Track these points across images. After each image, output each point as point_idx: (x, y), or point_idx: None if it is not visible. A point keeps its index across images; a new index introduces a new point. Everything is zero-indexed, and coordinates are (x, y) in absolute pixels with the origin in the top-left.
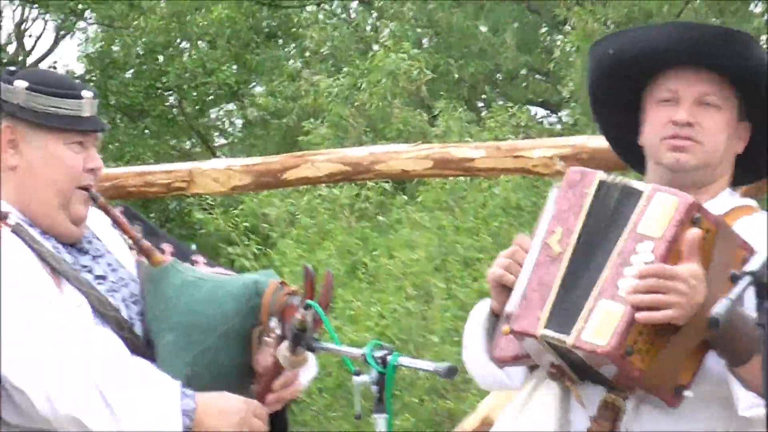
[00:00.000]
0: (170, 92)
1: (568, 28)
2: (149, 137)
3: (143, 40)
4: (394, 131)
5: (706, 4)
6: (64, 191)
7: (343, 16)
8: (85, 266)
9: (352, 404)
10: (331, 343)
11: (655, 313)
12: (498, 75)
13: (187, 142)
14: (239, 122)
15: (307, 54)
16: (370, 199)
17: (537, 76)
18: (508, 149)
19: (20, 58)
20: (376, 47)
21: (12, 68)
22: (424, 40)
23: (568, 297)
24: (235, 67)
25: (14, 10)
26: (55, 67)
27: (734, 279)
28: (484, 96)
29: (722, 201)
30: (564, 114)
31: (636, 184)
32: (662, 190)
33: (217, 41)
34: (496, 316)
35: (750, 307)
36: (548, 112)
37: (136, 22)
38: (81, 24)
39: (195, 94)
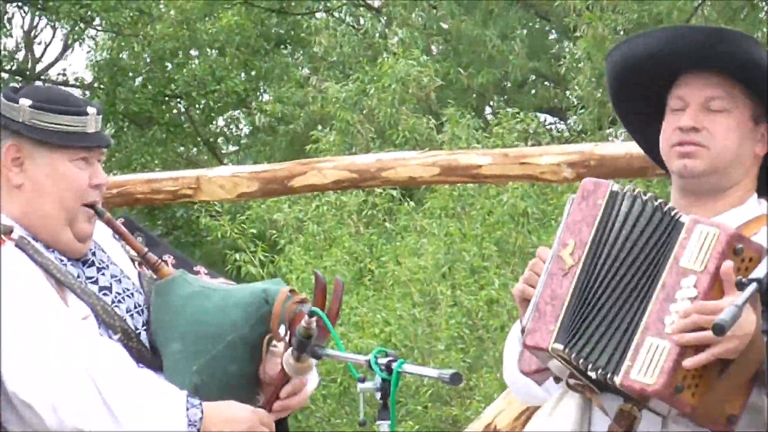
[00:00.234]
0: (179, 99)
1: (577, 34)
2: (156, 145)
3: (152, 47)
4: (402, 138)
5: (715, 10)
6: (70, 208)
7: (352, 23)
8: (90, 278)
9: (357, 411)
10: (336, 349)
11: (701, 356)
12: (506, 83)
13: (194, 150)
14: (246, 129)
15: (316, 61)
16: (377, 205)
17: (546, 82)
18: (516, 156)
19: (29, 66)
20: (384, 55)
21: (15, 86)
22: (433, 47)
23: (580, 311)
24: (243, 74)
25: (24, 18)
26: (64, 74)
27: (740, 286)
28: (492, 104)
29: (749, 208)
30: (572, 121)
31: (671, 210)
32: (702, 222)
33: (226, 48)
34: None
35: None
36: (556, 119)
37: (145, 30)
38: (90, 31)
39: (204, 101)
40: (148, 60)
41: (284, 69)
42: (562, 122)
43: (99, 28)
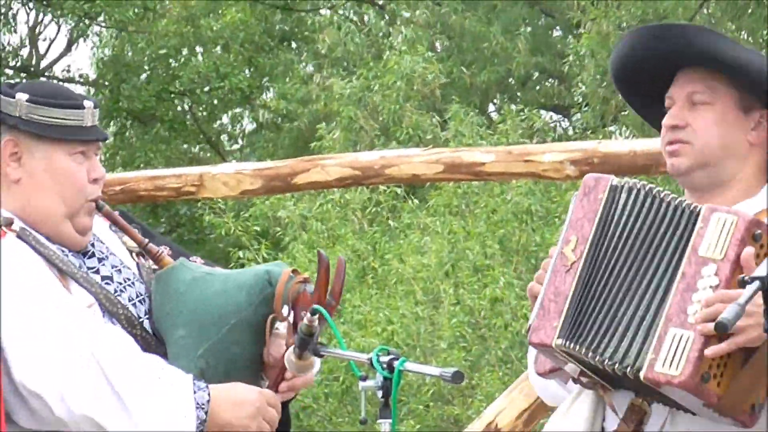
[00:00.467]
0: (183, 96)
1: (581, 31)
2: (160, 142)
3: (156, 44)
4: (406, 135)
5: (719, 6)
6: (72, 204)
7: (356, 20)
8: (91, 268)
9: (358, 409)
10: (338, 348)
11: (723, 345)
12: (510, 80)
13: (197, 147)
14: (250, 126)
15: (320, 58)
16: (381, 203)
17: (549, 80)
18: (519, 153)
19: (34, 62)
20: (388, 53)
21: (11, 81)
22: (437, 44)
23: (584, 306)
24: (247, 71)
25: (28, 14)
26: (68, 71)
27: (742, 284)
28: (495, 101)
29: (760, 199)
30: (576, 118)
31: (675, 199)
32: (719, 209)
33: (230, 45)
34: None
35: None
36: (560, 116)
37: (149, 27)
38: (95, 28)
39: (207, 98)
40: (152, 57)
41: (288, 66)
42: (565, 119)
43: (103, 24)
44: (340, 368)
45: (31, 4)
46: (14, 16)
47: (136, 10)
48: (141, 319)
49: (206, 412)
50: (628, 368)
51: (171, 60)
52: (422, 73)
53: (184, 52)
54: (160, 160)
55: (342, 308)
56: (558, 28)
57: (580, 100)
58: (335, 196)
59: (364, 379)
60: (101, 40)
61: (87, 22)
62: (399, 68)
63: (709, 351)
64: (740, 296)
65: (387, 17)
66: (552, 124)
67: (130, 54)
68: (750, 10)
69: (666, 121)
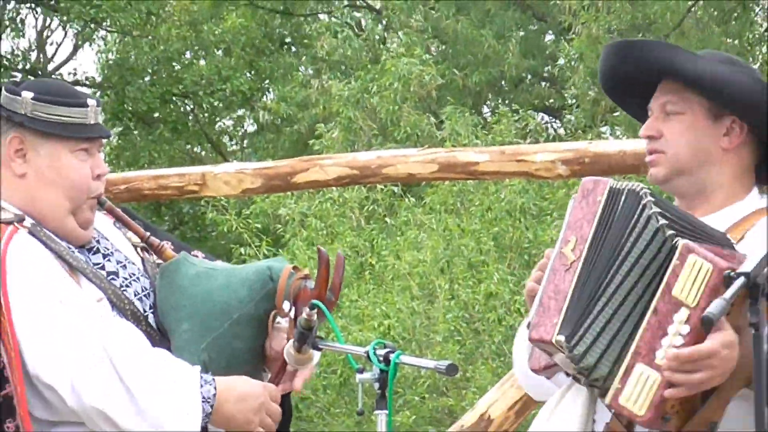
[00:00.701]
0: (186, 98)
1: (572, 35)
2: (164, 142)
3: (160, 48)
4: (403, 134)
5: (707, 12)
6: (76, 200)
7: (353, 25)
8: (96, 264)
9: (356, 401)
10: (335, 341)
11: (684, 390)
12: (503, 82)
13: (199, 147)
14: (251, 128)
15: (319, 63)
16: (378, 201)
17: (541, 82)
18: (512, 153)
19: (41, 65)
20: (386, 55)
21: (16, 80)
22: (432, 48)
23: (584, 306)
24: (248, 74)
25: (36, 19)
26: (75, 74)
27: (728, 280)
28: (489, 103)
29: (746, 205)
30: (567, 119)
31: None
32: (695, 251)
33: (231, 49)
34: None
35: None
36: (552, 117)
37: (153, 31)
38: (100, 32)
39: (210, 100)
40: (156, 60)
41: (288, 69)
42: (557, 120)
43: (108, 29)
44: (338, 361)
45: (39, 9)
46: (23, 21)
47: (140, 15)
48: (146, 314)
49: (212, 406)
50: (597, 384)
51: (174, 63)
52: (418, 75)
53: (187, 55)
54: (164, 160)
55: (340, 303)
56: (550, 32)
57: (571, 101)
58: (334, 195)
59: (362, 371)
60: (106, 44)
61: (93, 26)
62: (396, 70)
63: (668, 393)
64: (712, 356)
65: (384, 22)
66: (544, 125)
67: (134, 57)
68: (736, 15)
69: (642, 131)
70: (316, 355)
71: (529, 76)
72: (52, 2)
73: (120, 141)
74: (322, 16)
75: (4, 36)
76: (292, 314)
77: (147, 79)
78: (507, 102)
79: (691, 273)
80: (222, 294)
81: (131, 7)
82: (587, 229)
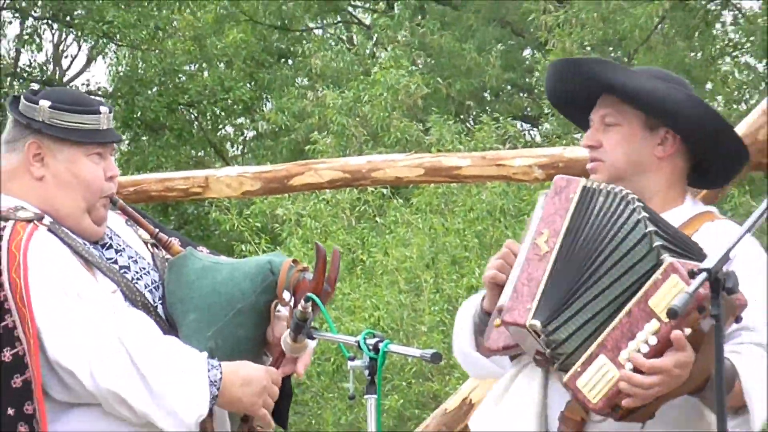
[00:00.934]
0: (191, 107)
1: (548, 48)
2: (170, 148)
3: (166, 60)
4: (393, 139)
5: (673, 27)
6: (90, 200)
7: (345, 39)
8: (110, 259)
9: (348, 387)
10: (329, 331)
11: (636, 401)
12: (484, 92)
13: (202, 152)
14: (251, 134)
15: (313, 77)
16: (369, 202)
17: (520, 92)
18: (492, 158)
19: (57, 77)
20: (376, 68)
21: (34, 88)
22: (419, 61)
23: (554, 292)
24: (249, 85)
25: (53, 34)
26: (88, 85)
27: (692, 275)
28: (471, 112)
29: (685, 210)
30: (543, 127)
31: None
32: (679, 273)
33: (233, 61)
34: (487, 314)
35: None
36: (529, 125)
37: (160, 45)
38: (112, 46)
39: (213, 109)
40: (163, 72)
41: (285, 81)
42: (534, 128)
43: (119, 43)
44: (331, 350)
45: (55, 26)
46: (40, 36)
47: (148, 31)
48: (155, 305)
49: (218, 389)
50: (560, 358)
51: (180, 75)
52: (406, 86)
53: (192, 67)
54: (170, 164)
55: (333, 296)
56: (528, 47)
57: (547, 110)
58: (327, 197)
59: (353, 359)
60: (117, 58)
61: (105, 41)
62: (385, 81)
63: (626, 402)
64: (667, 371)
65: (374, 37)
66: (522, 132)
67: (143, 70)
68: (699, 31)
69: (583, 141)
70: (311, 345)
71: (509, 87)
72: (68, 19)
73: (129, 147)
74: (317, 32)
75: (23, 50)
76: (292, 303)
77: (155, 89)
78: (488, 111)
79: (671, 291)
80: (226, 286)
81: (140, 23)
82: (560, 223)
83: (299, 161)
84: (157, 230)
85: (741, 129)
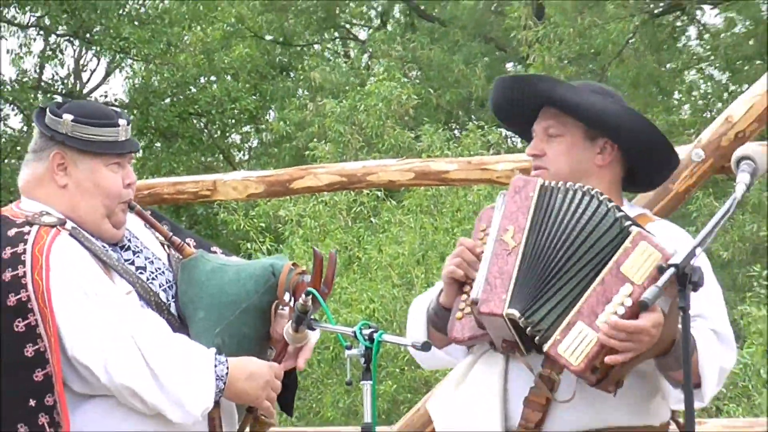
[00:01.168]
0: (201, 117)
1: (529, 62)
2: (181, 154)
3: (178, 73)
4: (387, 145)
5: (643, 42)
6: (110, 206)
7: (342, 53)
8: (127, 260)
9: (345, 373)
10: (327, 323)
11: (618, 356)
12: (471, 102)
13: (211, 158)
14: (256, 142)
15: (313, 91)
16: (364, 204)
17: None
18: (477, 163)
19: (77, 89)
20: (372, 79)
21: (59, 101)
22: (411, 73)
23: (527, 282)
24: (254, 96)
25: (75, 50)
26: (106, 96)
27: (660, 270)
28: (459, 120)
29: (629, 211)
30: None
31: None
32: (647, 239)
33: (239, 74)
34: (444, 308)
35: None
36: (512, 132)
37: (172, 59)
38: (128, 60)
39: (221, 118)
40: (175, 84)
41: (287, 92)
42: (516, 136)
43: (135, 58)
44: (330, 339)
45: (76, 42)
46: (62, 52)
47: (161, 46)
48: (168, 303)
49: (225, 383)
50: (539, 334)
51: (190, 87)
52: (398, 96)
53: (202, 80)
54: (182, 169)
55: (332, 290)
56: (510, 60)
57: None
58: (326, 199)
59: (350, 348)
60: (133, 71)
61: (122, 56)
62: (379, 92)
63: (609, 359)
64: (645, 332)
65: (369, 51)
66: (505, 139)
67: (156, 82)
68: (666, 46)
69: (527, 151)
70: (313, 335)
71: None
72: (88, 36)
73: (144, 153)
74: (316, 47)
75: (47, 64)
76: (292, 303)
77: (167, 100)
78: (474, 119)
79: (641, 257)
80: (232, 287)
81: (154, 39)
82: (523, 219)
83: (300, 166)
84: (170, 234)
85: (706, 135)
